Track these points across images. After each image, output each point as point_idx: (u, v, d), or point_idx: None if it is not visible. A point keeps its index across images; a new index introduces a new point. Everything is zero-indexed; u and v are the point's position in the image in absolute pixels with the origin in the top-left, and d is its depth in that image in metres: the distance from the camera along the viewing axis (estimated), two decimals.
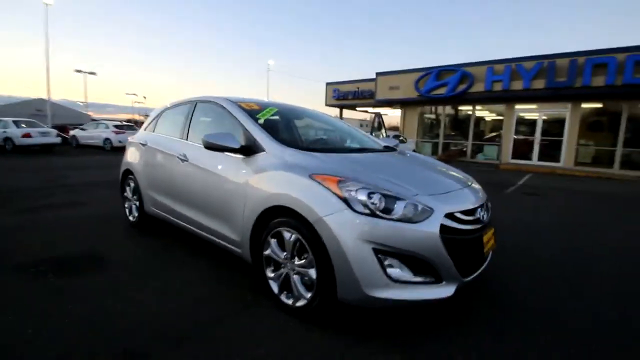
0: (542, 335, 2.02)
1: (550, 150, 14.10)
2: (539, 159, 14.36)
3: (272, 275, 2.24)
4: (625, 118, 12.69)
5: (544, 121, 14.38)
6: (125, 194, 3.98)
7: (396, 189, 1.96)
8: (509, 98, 14.31)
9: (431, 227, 1.84)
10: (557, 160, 13.93)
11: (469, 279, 2.02)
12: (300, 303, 2.07)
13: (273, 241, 2.19)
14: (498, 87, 13.96)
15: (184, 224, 3.04)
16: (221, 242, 2.62)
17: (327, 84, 21.68)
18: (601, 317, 2.25)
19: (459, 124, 17.03)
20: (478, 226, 2.11)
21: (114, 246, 3.22)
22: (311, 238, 1.93)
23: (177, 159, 3.04)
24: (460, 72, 14.69)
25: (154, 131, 3.74)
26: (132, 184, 3.79)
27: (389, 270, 1.81)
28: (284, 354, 1.76)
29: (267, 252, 2.23)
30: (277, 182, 2.16)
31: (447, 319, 2.15)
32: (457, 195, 2.16)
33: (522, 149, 14.74)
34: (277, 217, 2.16)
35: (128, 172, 3.88)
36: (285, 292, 2.18)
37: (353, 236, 1.79)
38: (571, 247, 3.69)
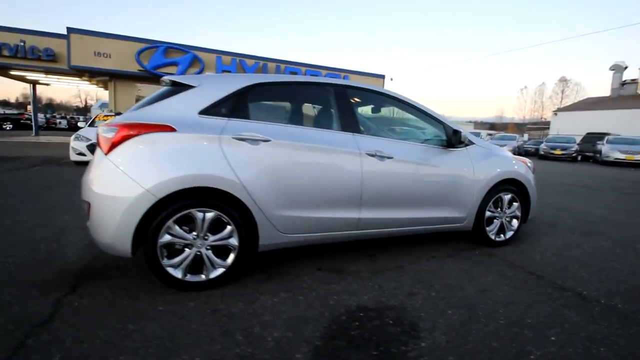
0: None
1: None
2: None
3: (489, 229, 3.26)
4: None
5: None
6: (181, 239, 2.18)
7: None
8: None
9: None
10: None
11: None
12: (509, 235, 3.38)
13: (492, 206, 3.26)
14: None
15: (373, 231, 2.84)
16: (438, 226, 3.09)
17: None
18: None
19: None
20: None
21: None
22: (520, 192, 3.37)
23: (367, 157, 2.68)
24: (192, 55, 14.51)
25: (248, 117, 2.45)
26: (203, 216, 2.20)
27: None
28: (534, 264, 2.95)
29: (488, 214, 3.21)
30: (500, 164, 3.25)
31: None
32: None
33: None
34: (495, 188, 3.20)
35: (196, 194, 2.19)
36: (499, 234, 3.35)
37: (534, 183, 3.52)
38: None
